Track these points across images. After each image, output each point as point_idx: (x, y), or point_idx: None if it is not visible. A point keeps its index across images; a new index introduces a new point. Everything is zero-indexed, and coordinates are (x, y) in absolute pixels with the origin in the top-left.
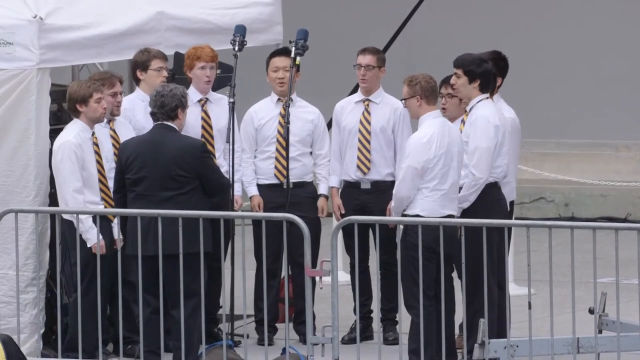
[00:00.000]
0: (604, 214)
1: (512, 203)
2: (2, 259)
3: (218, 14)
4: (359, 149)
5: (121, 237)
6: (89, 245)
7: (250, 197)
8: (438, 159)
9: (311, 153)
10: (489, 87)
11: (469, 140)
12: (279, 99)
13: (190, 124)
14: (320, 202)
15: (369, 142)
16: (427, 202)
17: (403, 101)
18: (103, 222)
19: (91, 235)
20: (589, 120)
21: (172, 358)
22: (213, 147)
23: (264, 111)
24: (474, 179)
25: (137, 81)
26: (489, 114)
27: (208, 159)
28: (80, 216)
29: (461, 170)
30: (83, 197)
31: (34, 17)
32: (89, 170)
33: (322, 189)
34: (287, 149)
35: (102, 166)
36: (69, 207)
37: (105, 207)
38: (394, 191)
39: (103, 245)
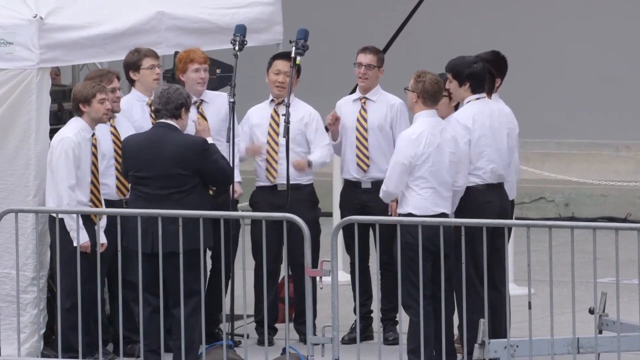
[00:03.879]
0: (604, 214)
1: (512, 202)
2: (4, 258)
3: (218, 13)
4: (357, 147)
5: (105, 241)
6: (74, 245)
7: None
8: (427, 157)
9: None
10: (481, 87)
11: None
12: (272, 100)
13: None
14: (301, 160)
15: (366, 139)
16: (418, 200)
17: (405, 90)
18: (87, 223)
19: (78, 235)
20: (589, 120)
21: (172, 358)
22: None
23: (258, 115)
24: (458, 186)
25: (132, 82)
26: (462, 115)
27: (209, 154)
28: (71, 215)
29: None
30: (75, 195)
31: (34, 17)
32: (83, 170)
33: (311, 156)
34: (287, 149)
35: (96, 168)
36: (64, 203)
37: (92, 207)
38: (382, 186)
39: (89, 246)
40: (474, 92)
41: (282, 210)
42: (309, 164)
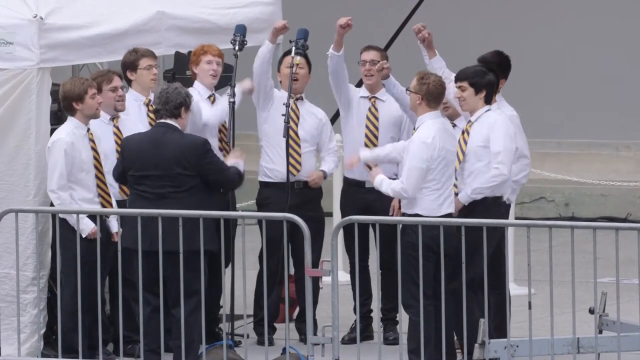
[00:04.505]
0: (604, 214)
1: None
2: (4, 258)
3: (218, 13)
4: (366, 145)
5: (120, 230)
6: (84, 235)
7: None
8: (440, 160)
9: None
10: (492, 98)
11: (492, 142)
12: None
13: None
14: (316, 174)
15: (376, 137)
16: (427, 202)
17: (407, 91)
18: (95, 219)
19: (84, 225)
20: (589, 120)
21: (172, 357)
22: (227, 142)
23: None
24: (498, 173)
25: (129, 82)
26: (505, 118)
27: (211, 156)
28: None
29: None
30: (69, 194)
31: (34, 17)
32: (84, 167)
33: (324, 166)
34: (287, 149)
35: (99, 162)
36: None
37: (102, 202)
38: (398, 190)
39: (96, 231)
40: (486, 102)
41: (296, 210)
42: (324, 176)
